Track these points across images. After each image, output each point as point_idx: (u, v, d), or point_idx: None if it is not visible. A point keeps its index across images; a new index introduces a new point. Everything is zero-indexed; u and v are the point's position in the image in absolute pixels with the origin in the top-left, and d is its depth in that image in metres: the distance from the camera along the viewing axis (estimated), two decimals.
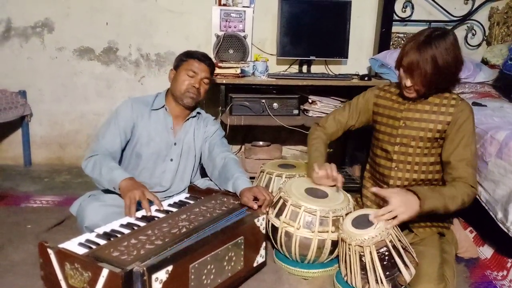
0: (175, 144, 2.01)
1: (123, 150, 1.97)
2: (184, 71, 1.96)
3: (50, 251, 1.32)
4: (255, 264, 1.68)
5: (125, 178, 1.71)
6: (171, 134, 2.01)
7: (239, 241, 1.55)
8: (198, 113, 2.09)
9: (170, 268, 1.26)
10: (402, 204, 1.51)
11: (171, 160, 2.01)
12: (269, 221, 1.75)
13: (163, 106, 2.01)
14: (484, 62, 3.02)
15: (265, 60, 2.80)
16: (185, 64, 1.98)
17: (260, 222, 1.67)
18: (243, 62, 2.68)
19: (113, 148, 1.89)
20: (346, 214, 1.68)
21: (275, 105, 2.62)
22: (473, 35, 3.16)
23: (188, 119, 2.05)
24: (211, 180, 2.04)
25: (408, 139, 1.75)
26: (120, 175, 1.73)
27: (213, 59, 2.71)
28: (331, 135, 1.98)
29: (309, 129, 2.06)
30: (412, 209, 1.53)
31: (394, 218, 1.51)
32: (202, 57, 2.00)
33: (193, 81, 1.96)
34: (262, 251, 1.71)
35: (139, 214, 1.64)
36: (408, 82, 1.67)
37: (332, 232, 1.66)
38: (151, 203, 1.68)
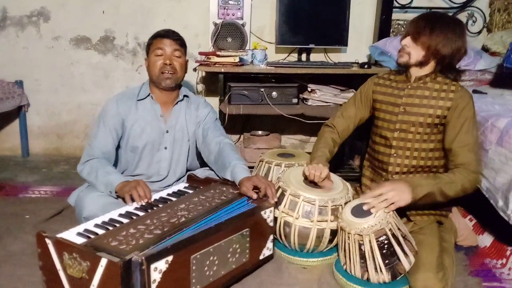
0: (167, 131, 1.97)
1: (118, 148, 1.94)
2: (153, 54, 1.91)
3: (48, 241, 1.31)
4: (261, 257, 1.66)
5: (121, 181, 1.69)
6: (162, 122, 1.96)
7: (244, 233, 1.53)
8: (186, 96, 2.03)
9: (170, 258, 1.25)
10: (392, 190, 1.55)
11: (165, 148, 1.97)
12: None
13: (148, 95, 1.96)
14: (485, 49, 2.98)
15: (263, 49, 2.77)
16: (151, 47, 1.92)
17: (268, 215, 1.64)
18: (241, 50, 2.64)
19: (106, 148, 1.86)
20: (345, 203, 1.68)
21: (274, 94, 2.60)
22: (474, 22, 3.13)
23: (176, 104, 2.00)
24: (210, 170, 2.02)
25: (408, 125, 1.75)
26: (116, 178, 1.71)
27: (211, 48, 2.69)
28: (341, 132, 1.95)
29: (307, 118, 2.04)
30: (405, 195, 1.55)
31: (391, 204, 1.53)
32: (165, 33, 1.92)
33: (162, 59, 1.89)
34: (269, 244, 1.69)
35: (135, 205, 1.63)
36: (404, 41, 1.71)
37: (331, 221, 1.66)
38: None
